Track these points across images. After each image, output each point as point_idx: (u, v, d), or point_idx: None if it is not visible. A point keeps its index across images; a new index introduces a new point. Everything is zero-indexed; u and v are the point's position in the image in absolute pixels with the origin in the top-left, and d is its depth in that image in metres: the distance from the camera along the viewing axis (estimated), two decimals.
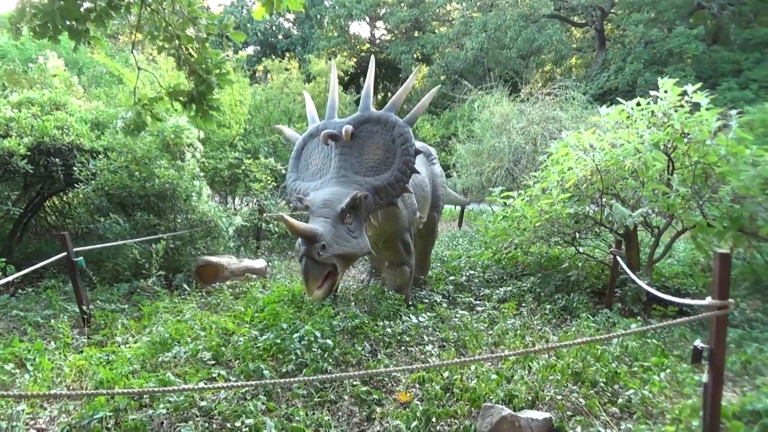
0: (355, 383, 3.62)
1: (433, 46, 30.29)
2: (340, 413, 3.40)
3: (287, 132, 5.93)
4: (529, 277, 6.62)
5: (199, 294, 6.03)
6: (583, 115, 11.61)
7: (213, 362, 3.87)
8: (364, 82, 5.78)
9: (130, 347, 4.18)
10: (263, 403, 3.26)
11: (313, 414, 3.23)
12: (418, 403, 3.37)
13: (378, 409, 3.38)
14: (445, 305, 5.61)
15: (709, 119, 5.43)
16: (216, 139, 9.05)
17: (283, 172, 9.44)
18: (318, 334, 4.00)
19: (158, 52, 4.66)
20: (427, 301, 5.73)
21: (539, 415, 3.12)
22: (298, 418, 3.11)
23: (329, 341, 3.97)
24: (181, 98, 4.60)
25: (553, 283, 6.29)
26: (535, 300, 5.73)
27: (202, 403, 3.29)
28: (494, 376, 3.50)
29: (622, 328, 4.66)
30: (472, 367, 3.73)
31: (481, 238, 9.83)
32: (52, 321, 4.91)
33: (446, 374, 3.75)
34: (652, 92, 5.80)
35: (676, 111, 5.50)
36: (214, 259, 6.48)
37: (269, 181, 9.13)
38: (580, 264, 6.79)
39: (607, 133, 5.76)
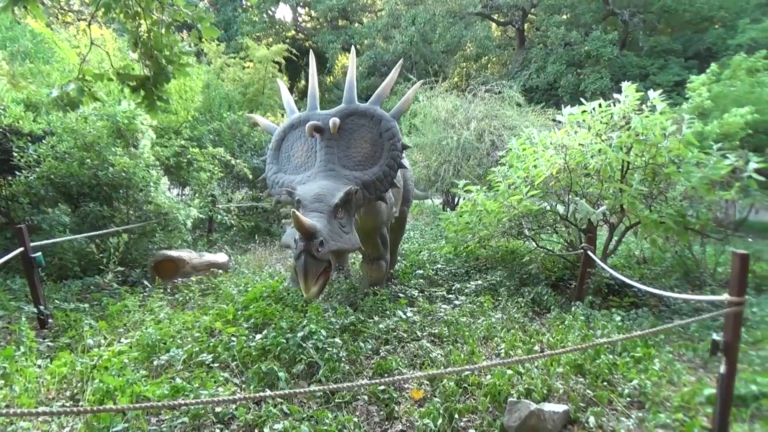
0: (369, 384, 3.59)
1: (361, 36, 30.23)
2: (357, 413, 3.35)
3: (262, 122, 5.71)
4: (495, 270, 6.81)
5: (162, 290, 5.69)
6: (522, 113, 12.06)
7: (216, 365, 3.68)
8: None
9: (112, 351, 3.86)
10: (287, 407, 3.14)
11: (336, 416, 3.16)
12: (438, 399, 3.39)
13: (396, 408, 3.37)
14: (421, 299, 5.66)
15: (664, 122, 5.83)
16: (160, 126, 8.53)
17: (233, 162, 9.10)
18: (324, 333, 3.90)
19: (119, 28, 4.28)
20: (402, 295, 5.75)
21: (558, 407, 3.25)
22: (327, 421, 3.03)
23: (337, 340, 3.90)
24: (130, 82, 4.24)
25: (517, 277, 6.52)
26: (506, 293, 5.90)
27: (217, 409, 3.13)
28: (508, 371, 3.59)
29: (597, 319, 4.92)
30: (484, 363, 3.80)
31: (431, 231, 10.04)
32: (8, 323, 4.46)
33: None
34: (615, 95, 6.10)
35: (636, 114, 5.87)
36: (174, 253, 6.13)
37: (217, 171, 8.75)
38: (532, 257, 7.12)
39: (577, 133, 6.02)
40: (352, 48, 5.84)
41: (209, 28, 4.38)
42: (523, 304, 5.51)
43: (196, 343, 3.94)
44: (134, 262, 6.33)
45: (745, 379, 3.65)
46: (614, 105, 6.16)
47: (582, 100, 6.44)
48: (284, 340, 3.81)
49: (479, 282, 6.23)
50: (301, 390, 2.41)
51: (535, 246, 7.04)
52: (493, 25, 32.35)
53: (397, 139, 5.02)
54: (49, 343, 4.28)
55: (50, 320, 4.76)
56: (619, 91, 6.17)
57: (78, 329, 4.49)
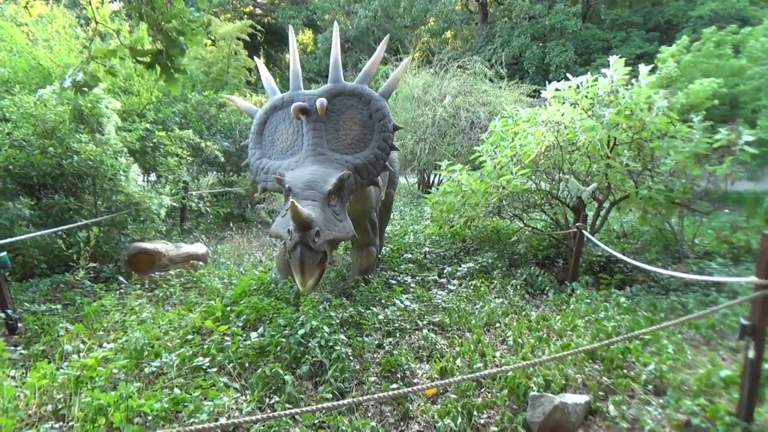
0: (379, 383, 3.42)
1: (322, 12, 29.48)
2: (370, 414, 3.17)
3: (241, 103, 5.36)
4: (484, 251, 6.69)
5: (140, 286, 5.34)
6: (495, 88, 11.89)
7: (213, 369, 3.41)
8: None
9: (95, 358, 3.55)
10: (299, 414, 2.93)
11: (351, 421, 2.97)
12: (453, 395, 3.23)
13: (410, 407, 3.19)
14: (414, 285, 5.49)
15: (652, 95, 5.75)
16: (123, 109, 8.00)
17: (202, 145, 8.66)
18: (326, 329, 3.68)
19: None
20: (395, 282, 5.57)
21: (580, 398, 3.13)
22: (342, 427, 2.84)
23: (342, 336, 3.69)
24: (144, 58, 3.91)
25: (507, 257, 6.41)
26: (499, 275, 5.78)
27: (222, 420, 2.89)
28: (523, 362, 3.46)
29: (599, 301, 4.85)
30: (497, 354, 3.67)
31: (411, 212, 9.86)
32: None
33: (461, 363, 3.67)
34: (603, 69, 5.96)
35: (625, 89, 5.77)
36: (149, 245, 5.76)
37: (186, 155, 8.30)
38: (519, 236, 7.03)
39: (567, 109, 5.88)
40: (335, 23, 5.53)
41: None
42: (518, 287, 5.41)
43: (187, 346, 3.66)
44: (106, 257, 5.93)
45: None
46: (601, 78, 6.04)
47: (569, 75, 6.30)
48: (283, 339, 3.57)
49: (470, 264, 6.08)
50: (326, 405, 2.20)
51: (522, 225, 6.95)
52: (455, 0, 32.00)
53: (388, 119, 4.77)
54: (22, 351, 3.91)
55: (20, 325, 4.38)
56: (582, 65, 6.05)
57: (52, 334, 4.13)
